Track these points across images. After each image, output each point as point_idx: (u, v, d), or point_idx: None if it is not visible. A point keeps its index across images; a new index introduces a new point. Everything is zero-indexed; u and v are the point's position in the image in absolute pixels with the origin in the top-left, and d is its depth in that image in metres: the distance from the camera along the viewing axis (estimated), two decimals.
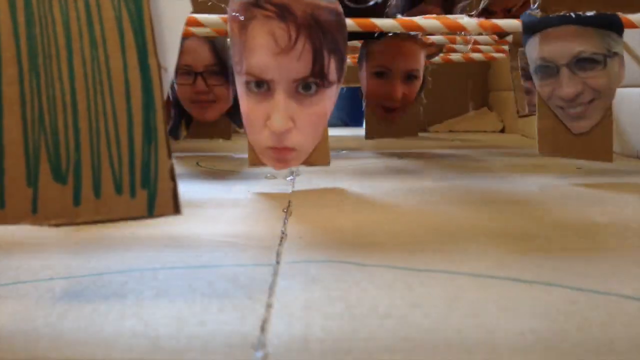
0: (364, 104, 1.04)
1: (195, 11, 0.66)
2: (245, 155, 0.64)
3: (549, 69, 0.67)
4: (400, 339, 0.25)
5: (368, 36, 0.88)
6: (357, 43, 1.05)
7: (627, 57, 0.89)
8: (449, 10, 1.04)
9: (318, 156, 0.62)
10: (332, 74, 0.59)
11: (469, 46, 0.88)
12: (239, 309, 0.28)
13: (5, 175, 0.29)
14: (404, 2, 1.07)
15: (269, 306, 0.28)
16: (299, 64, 0.57)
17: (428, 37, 0.97)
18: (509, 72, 1.07)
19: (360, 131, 1.05)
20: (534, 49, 0.69)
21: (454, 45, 1.11)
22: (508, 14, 0.94)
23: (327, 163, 0.63)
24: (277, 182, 0.68)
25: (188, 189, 0.62)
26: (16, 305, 0.29)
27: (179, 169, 0.30)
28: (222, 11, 0.61)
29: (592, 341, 0.24)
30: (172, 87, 0.97)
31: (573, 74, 0.65)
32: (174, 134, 1.02)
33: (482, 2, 0.92)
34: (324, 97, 0.59)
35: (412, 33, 0.85)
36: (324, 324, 0.26)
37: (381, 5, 0.88)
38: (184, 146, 1.05)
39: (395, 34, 0.86)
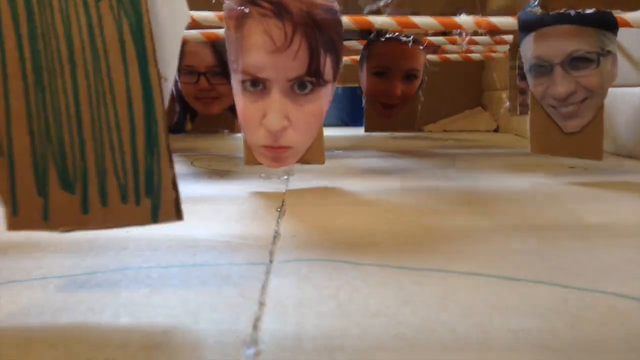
0: (363, 101, 1.06)
1: (194, 9, 0.67)
2: (240, 155, 0.65)
3: (543, 68, 0.68)
4: (392, 336, 0.25)
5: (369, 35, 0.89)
6: (355, 44, 1.05)
7: (621, 57, 0.90)
8: None
9: (313, 154, 0.63)
10: (328, 73, 0.59)
11: (465, 43, 0.89)
12: (232, 307, 0.28)
13: (16, 185, 0.30)
14: None
15: (261, 304, 0.29)
16: (294, 63, 0.57)
17: (426, 38, 0.98)
18: (502, 72, 1.07)
19: (359, 131, 1.06)
20: (529, 48, 0.69)
21: (450, 46, 1.12)
22: None
23: (322, 161, 0.64)
24: (271, 182, 0.68)
25: (183, 189, 0.62)
26: (10, 304, 0.29)
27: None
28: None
29: (583, 339, 0.24)
30: (175, 85, 0.98)
31: (566, 73, 0.66)
32: (179, 128, 1.03)
33: None
34: (319, 96, 0.59)
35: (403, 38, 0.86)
36: (316, 322, 0.26)
37: None
38: (180, 146, 1.05)
39: (395, 37, 0.87)
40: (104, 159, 0.30)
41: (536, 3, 0.65)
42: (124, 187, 0.30)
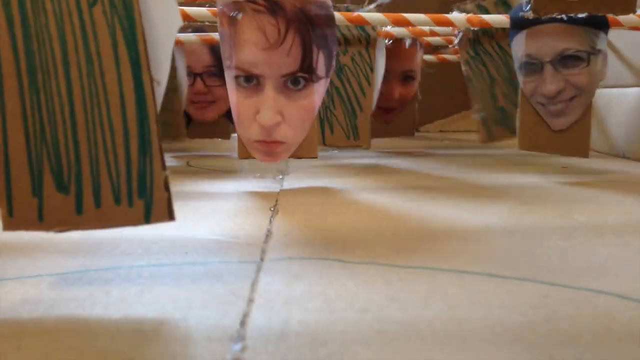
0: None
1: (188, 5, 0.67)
2: (236, 155, 0.65)
3: (533, 66, 0.68)
4: (376, 331, 0.25)
5: None
6: None
7: (615, 58, 0.91)
8: None
9: (306, 149, 0.64)
10: (321, 69, 0.60)
11: (457, 40, 0.89)
12: (222, 304, 0.29)
13: (12, 186, 0.31)
14: None
15: (250, 301, 0.29)
16: (288, 59, 0.57)
17: (424, 38, 0.98)
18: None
19: None
20: (520, 46, 0.70)
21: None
22: None
23: (315, 155, 0.64)
24: (266, 182, 0.69)
25: (177, 188, 0.63)
26: (3, 301, 0.30)
27: (169, 167, 0.31)
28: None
29: (558, 333, 0.25)
30: None
31: (556, 71, 0.66)
32: (173, 134, 1.03)
33: None
34: (312, 92, 0.59)
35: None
36: (302, 318, 0.27)
37: None
38: (176, 146, 1.05)
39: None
40: (98, 161, 0.31)
41: (528, 8, 0.66)
42: (117, 188, 0.31)
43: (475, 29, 0.85)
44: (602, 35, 0.67)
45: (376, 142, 1.09)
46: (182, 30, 0.83)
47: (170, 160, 0.90)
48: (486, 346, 0.24)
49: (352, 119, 0.80)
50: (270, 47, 0.57)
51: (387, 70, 1.01)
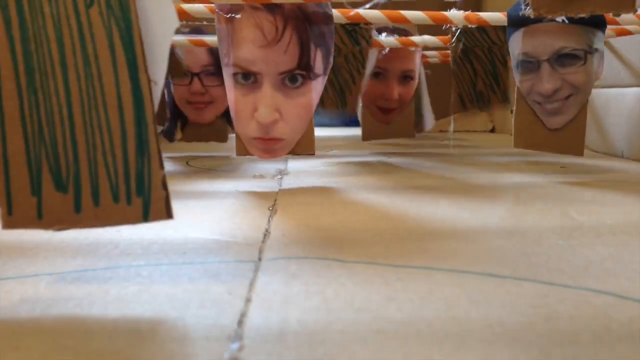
0: (360, 106, 1.04)
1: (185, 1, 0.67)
2: (233, 154, 0.65)
3: (530, 64, 0.68)
4: (374, 331, 0.25)
5: None
6: None
7: (614, 58, 0.91)
8: None
9: (304, 146, 0.64)
10: (318, 66, 0.60)
11: (454, 39, 0.91)
12: (219, 303, 0.29)
13: (11, 185, 0.31)
14: None
15: (248, 300, 0.29)
16: (285, 57, 0.57)
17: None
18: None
19: (357, 131, 1.05)
20: (517, 44, 0.70)
21: None
22: None
23: (313, 152, 0.65)
24: (264, 181, 0.69)
25: (177, 188, 0.63)
26: (0, 300, 0.30)
27: (168, 167, 0.31)
28: None
29: (557, 333, 0.25)
30: (168, 88, 0.97)
31: (553, 70, 0.66)
32: (168, 136, 1.01)
33: None
34: (310, 89, 0.60)
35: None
36: (300, 317, 0.27)
37: None
38: (175, 146, 1.06)
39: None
40: (96, 160, 0.31)
41: (528, 7, 0.66)
42: (115, 187, 0.31)
43: (468, 44, 0.95)
44: (599, 34, 0.67)
45: (375, 141, 1.09)
46: (180, 31, 0.83)
47: (169, 160, 0.90)
48: (485, 346, 0.24)
49: (342, 96, 0.92)
50: (268, 44, 0.57)
51: (385, 71, 1.01)
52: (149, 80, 0.31)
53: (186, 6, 0.68)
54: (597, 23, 0.67)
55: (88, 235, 0.41)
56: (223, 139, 1.01)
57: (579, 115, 0.68)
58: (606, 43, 0.92)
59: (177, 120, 1.01)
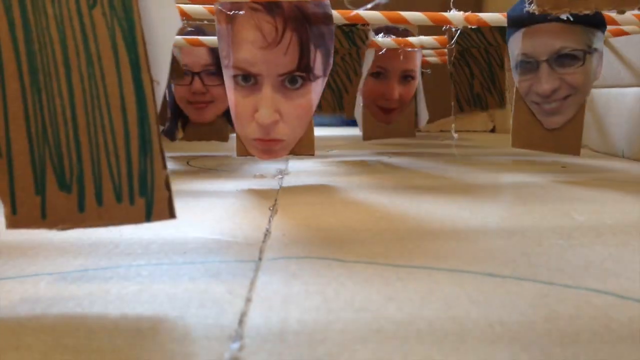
0: (360, 105, 1.04)
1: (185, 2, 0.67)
2: (234, 154, 0.65)
3: (529, 65, 0.68)
4: (374, 331, 0.25)
5: None
6: None
7: (615, 58, 0.91)
8: None
9: (304, 146, 0.64)
10: (318, 68, 0.60)
11: (454, 40, 0.91)
12: (219, 303, 0.29)
13: (15, 185, 0.31)
14: None
15: (248, 300, 0.29)
16: (285, 58, 0.58)
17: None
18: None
19: (357, 131, 1.05)
20: (516, 45, 0.70)
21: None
22: None
23: (313, 153, 0.65)
24: (265, 181, 0.69)
25: (177, 188, 0.63)
26: (1, 300, 0.30)
27: (169, 167, 0.31)
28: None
29: (557, 332, 0.25)
30: (169, 88, 0.97)
31: (552, 70, 0.66)
32: (170, 135, 1.01)
33: None
34: (309, 91, 0.60)
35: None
36: (300, 317, 0.27)
37: None
38: (176, 145, 1.06)
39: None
40: (100, 161, 0.31)
41: (532, 5, 0.66)
42: (118, 187, 0.31)
43: (465, 45, 0.96)
44: (598, 34, 0.67)
45: (376, 141, 1.09)
46: (182, 31, 0.83)
47: (170, 160, 0.90)
48: (485, 346, 0.24)
49: (339, 99, 0.94)
50: (268, 46, 0.57)
51: (386, 70, 1.01)
52: (151, 81, 0.31)
53: (185, 7, 0.68)
54: (597, 23, 0.67)
55: (89, 234, 0.41)
56: (224, 138, 1.00)
57: (576, 115, 0.68)
58: (606, 43, 0.92)
59: (178, 120, 1.01)
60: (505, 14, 0.72)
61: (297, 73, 0.59)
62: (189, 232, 0.43)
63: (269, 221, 0.47)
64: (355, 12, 0.70)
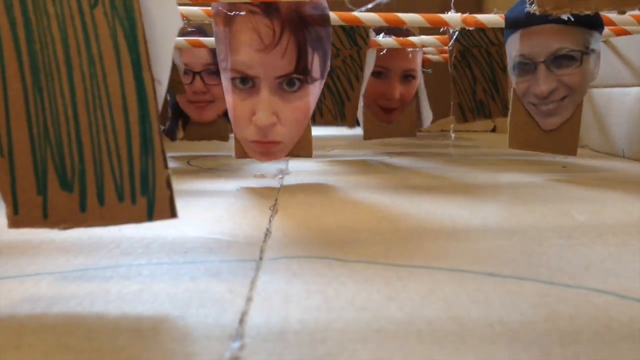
0: (361, 105, 1.04)
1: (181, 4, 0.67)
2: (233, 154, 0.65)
3: (527, 66, 0.68)
4: (375, 330, 0.25)
5: None
6: None
7: (616, 58, 0.91)
8: None
9: (301, 148, 0.64)
10: (316, 70, 0.60)
11: (452, 41, 0.91)
12: (220, 302, 0.29)
13: (17, 185, 0.31)
14: None
15: (249, 299, 0.29)
16: (283, 61, 0.58)
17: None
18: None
19: (357, 130, 1.05)
20: (514, 46, 0.70)
21: None
22: None
23: (310, 154, 0.65)
24: (265, 181, 0.69)
25: (178, 187, 0.63)
26: (2, 299, 0.30)
27: (170, 166, 0.31)
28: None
29: (558, 332, 0.25)
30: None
31: (549, 72, 0.67)
32: (170, 135, 1.01)
33: None
34: (307, 93, 0.60)
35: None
36: (301, 317, 0.27)
37: None
38: (177, 145, 1.06)
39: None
40: (101, 160, 0.31)
41: (533, 5, 0.65)
42: (120, 186, 0.31)
43: (466, 44, 0.95)
44: (596, 34, 0.67)
45: (376, 141, 1.09)
46: (182, 31, 0.83)
47: (171, 160, 0.90)
48: (486, 345, 0.24)
49: (341, 107, 0.92)
50: (265, 48, 0.57)
51: (387, 70, 1.01)
52: (152, 80, 0.31)
53: (183, 8, 0.68)
54: (594, 23, 0.67)
55: (89, 234, 0.41)
56: (224, 137, 1.00)
57: (573, 115, 0.68)
58: (607, 43, 0.92)
59: (178, 119, 1.01)
60: (503, 15, 0.72)
61: (295, 75, 0.59)
62: (189, 231, 0.43)
63: (270, 221, 0.47)
64: (352, 14, 0.71)
